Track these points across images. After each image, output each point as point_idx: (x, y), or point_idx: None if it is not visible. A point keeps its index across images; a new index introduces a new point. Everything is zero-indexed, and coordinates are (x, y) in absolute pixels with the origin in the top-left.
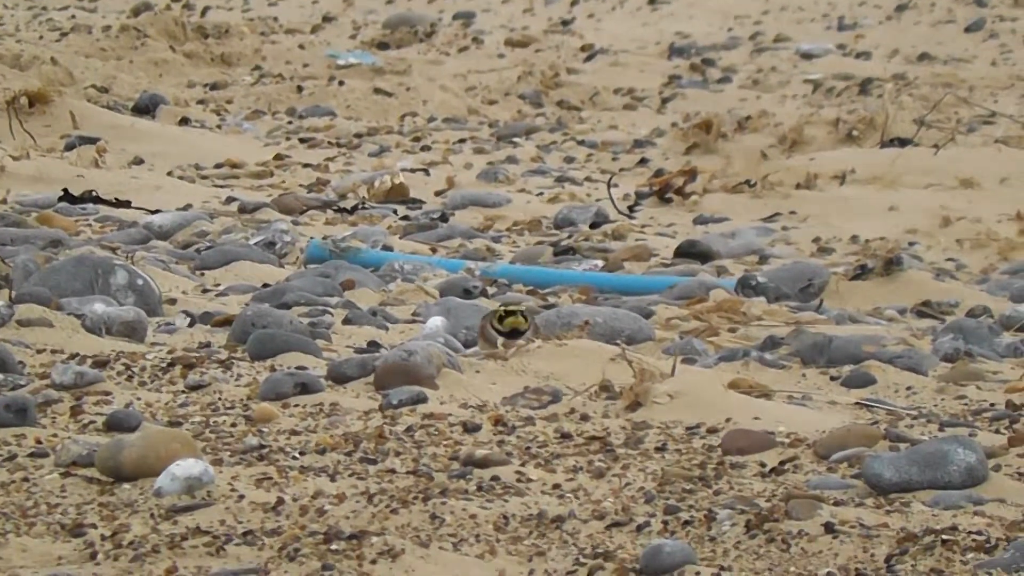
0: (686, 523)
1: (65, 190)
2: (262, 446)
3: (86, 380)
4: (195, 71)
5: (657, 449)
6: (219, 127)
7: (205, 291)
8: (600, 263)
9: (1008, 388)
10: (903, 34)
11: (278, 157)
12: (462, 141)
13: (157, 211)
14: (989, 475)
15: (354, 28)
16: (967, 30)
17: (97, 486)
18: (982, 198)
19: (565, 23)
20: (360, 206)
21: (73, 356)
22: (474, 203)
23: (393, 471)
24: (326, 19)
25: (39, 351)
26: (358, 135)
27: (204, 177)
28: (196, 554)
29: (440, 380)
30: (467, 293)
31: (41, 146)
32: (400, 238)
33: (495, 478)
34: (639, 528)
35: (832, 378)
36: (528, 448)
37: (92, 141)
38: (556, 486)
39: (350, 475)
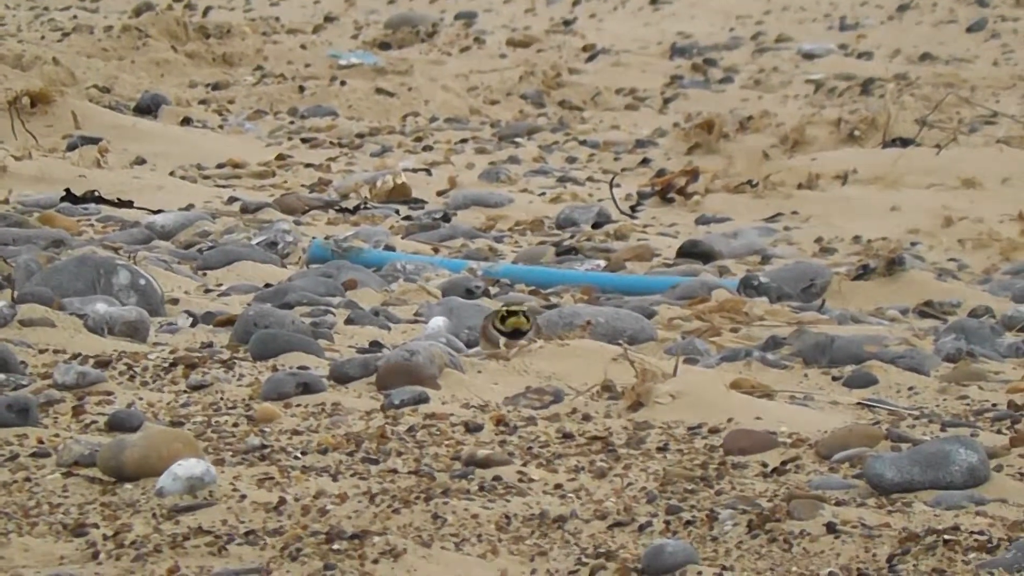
0: (688, 523)
1: (67, 190)
2: (264, 446)
3: (88, 380)
4: (197, 71)
5: (659, 449)
6: (221, 127)
7: (207, 291)
8: (602, 263)
9: (1010, 388)
10: (905, 34)
11: (280, 157)
12: (464, 141)
13: (159, 211)
14: (991, 475)
15: (356, 28)
16: (969, 30)
17: (99, 486)
18: (984, 198)
19: (567, 23)
20: (362, 206)
21: (75, 356)
22: (476, 203)
23: (395, 471)
24: (328, 19)
25: (41, 351)
26: (360, 135)
27: (206, 177)
28: (198, 554)
29: (442, 380)
30: (469, 293)
31: (43, 146)
32: (402, 238)
33: (497, 478)
34: (641, 528)
35: (834, 378)
36: (530, 448)
37: (94, 141)
38: (558, 486)
39: (352, 475)
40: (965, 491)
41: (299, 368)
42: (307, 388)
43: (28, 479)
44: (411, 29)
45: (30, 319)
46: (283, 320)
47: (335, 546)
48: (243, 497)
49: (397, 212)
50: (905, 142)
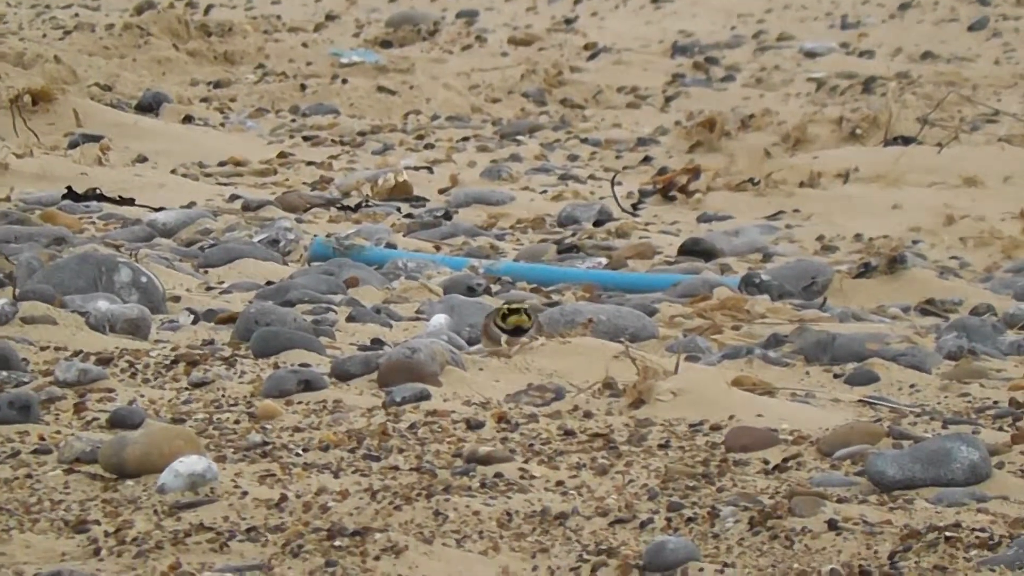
0: (689, 520)
1: (69, 188)
2: (265, 443)
3: (90, 377)
4: (198, 69)
5: (660, 446)
6: (223, 125)
7: (209, 289)
8: (604, 261)
9: (1011, 386)
10: (906, 33)
11: (282, 155)
12: (466, 139)
13: (161, 209)
14: (992, 472)
15: (357, 26)
16: (970, 29)
17: (100, 483)
18: (985, 196)
19: (568, 21)
20: (364, 204)
21: (77, 353)
22: (478, 201)
23: (396, 468)
24: (329, 17)
25: (43, 348)
26: (362, 133)
27: (208, 175)
28: (199, 550)
29: (443, 377)
30: (471, 291)
31: (45, 144)
32: (404, 236)
33: (498, 475)
34: (642, 525)
35: (835, 376)
36: (531, 445)
37: (96, 139)
38: (559, 483)
39: (353, 472)
40: (966, 488)
41: (300, 365)
42: (308, 385)
43: (29, 476)
44: (412, 27)
45: (32, 316)
46: (284, 318)
47: (336, 543)
48: (244, 494)
49: (399, 210)
50: (907, 140)
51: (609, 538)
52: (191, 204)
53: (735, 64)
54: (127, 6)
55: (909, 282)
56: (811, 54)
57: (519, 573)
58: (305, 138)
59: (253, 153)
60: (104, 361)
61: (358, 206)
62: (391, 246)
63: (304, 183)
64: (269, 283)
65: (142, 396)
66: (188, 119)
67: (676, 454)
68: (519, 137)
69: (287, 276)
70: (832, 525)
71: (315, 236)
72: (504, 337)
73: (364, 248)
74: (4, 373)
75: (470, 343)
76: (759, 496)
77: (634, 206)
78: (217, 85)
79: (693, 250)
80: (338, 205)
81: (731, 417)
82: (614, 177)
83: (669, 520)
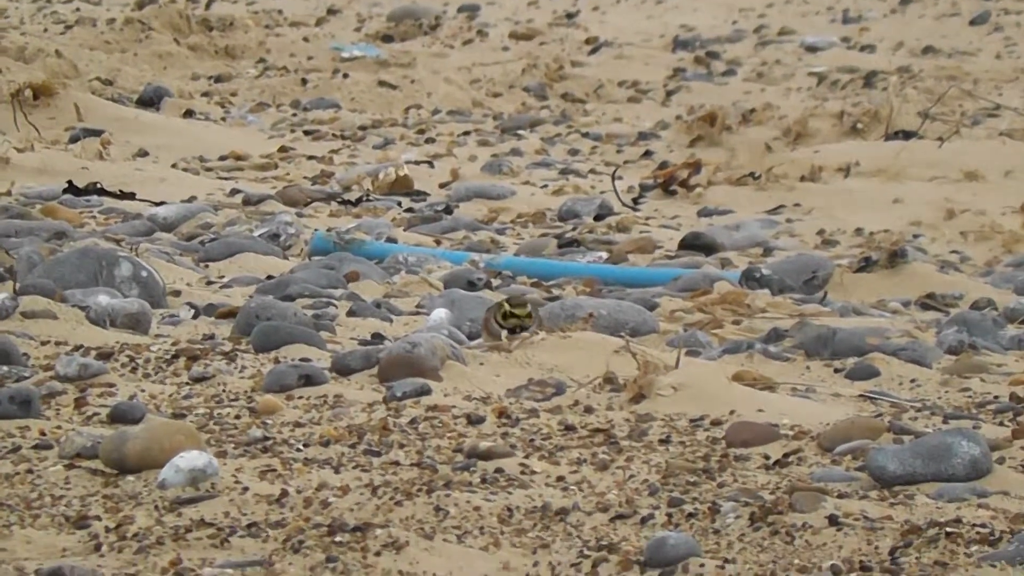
0: (690, 515)
1: (69, 182)
2: (266, 438)
3: (90, 372)
4: (199, 64)
5: (661, 441)
6: (223, 119)
7: (209, 283)
8: (604, 255)
9: (1012, 381)
10: (908, 27)
11: (282, 149)
12: (466, 133)
13: (161, 203)
14: (993, 468)
15: (358, 21)
16: (972, 23)
17: (101, 478)
18: (986, 191)
19: (569, 16)
20: (364, 198)
21: (77, 348)
22: (478, 195)
23: (397, 463)
24: (330, 12)
25: (43, 343)
26: (362, 127)
27: (208, 169)
28: (200, 546)
29: (444, 372)
30: (471, 285)
31: (46, 138)
32: (404, 230)
33: (499, 470)
34: (643, 520)
35: (836, 370)
36: (532, 440)
37: (96, 133)
38: (560, 478)
39: (354, 467)
40: (967, 483)
41: (301, 360)
42: (309, 380)
43: (30, 471)
44: (414, 22)
45: (32, 311)
46: (285, 312)
47: (337, 538)
48: (245, 489)
49: (399, 204)
50: (908, 135)
51: (610, 534)
52: (192, 198)
53: (736, 58)
54: (128, 1)
55: (910, 276)
56: (812, 48)
57: (520, 569)
58: (306, 132)
59: (254, 147)
60: (105, 356)
61: (359, 200)
62: (392, 240)
63: (305, 177)
64: (269, 277)
65: (143, 391)
66: (189, 113)
67: (677, 449)
68: (520, 131)
69: (287, 270)
70: (833, 520)
71: (316, 230)
72: (504, 332)
73: (365, 242)
74: (4, 368)
75: (471, 338)
76: (760, 491)
77: (635, 200)
78: (218, 79)
79: (694, 244)
80: (339, 199)
81: (732, 412)
82: (615, 171)
83: (670, 516)
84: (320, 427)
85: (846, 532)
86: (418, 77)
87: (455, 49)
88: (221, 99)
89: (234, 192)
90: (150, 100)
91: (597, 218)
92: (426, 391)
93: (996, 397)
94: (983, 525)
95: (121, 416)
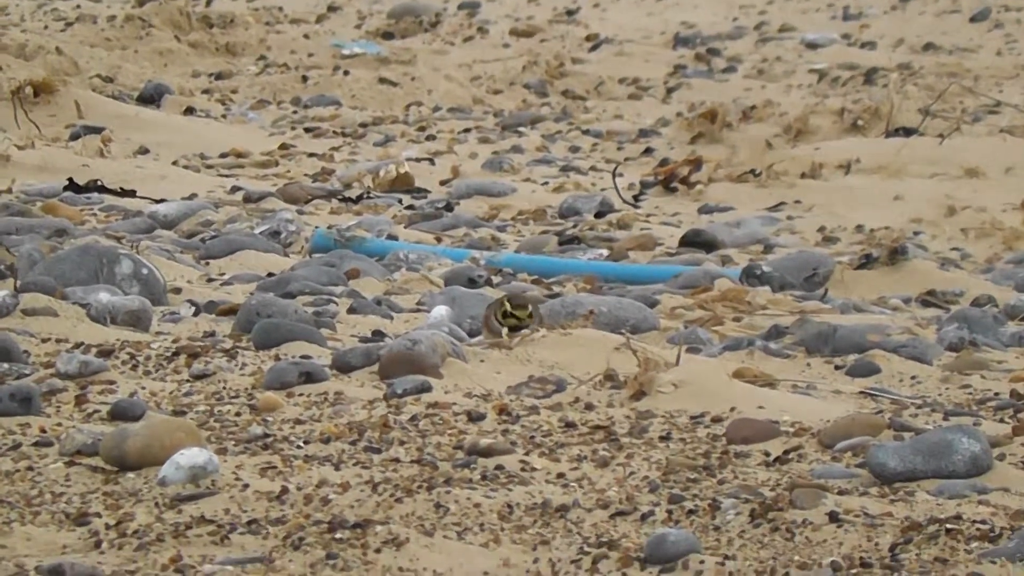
0: (690, 512)
1: (70, 179)
2: (266, 435)
3: (91, 369)
4: (200, 61)
5: (661, 438)
6: (224, 117)
7: (210, 280)
8: (605, 252)
9: (1013, 377)
10: (908, 24)
11: (283, 147)
12: (467, 131)
13: (162, 200)
14: (993, 464)
15: (359, 18)
16: (972, 20)
17: (101, 475)
18: (987, 187)
19: (570, 13)
20: (365, 195)
21: (78, 345)
22: (479, 192)
23: (397, 460)
24: (331, 9)
25: (44, 340)
26: (363, 125)
27: (209, 167)
28: (200, 543)
29: (444, 369)
30: (472, 282)
31: (46, 136)
32: (405, 227)
33: (499, 467)
34: (643, 517)
35: (836, 367)
36: (532, 437)
37: (97, 131)
38: (560, 475)
39: (354, 464)
40: (967, 480)
41: (302, 357)
42: (310, 377)
43: (30, 468)
44: (414, 19)
45: (33, 308)
46: (286, 309)
47: (337, 535)
48: (246, 486)
49: (400, 201)
50: (908, 132)
51: (610, 530)
52: (192, 196)
53: (737, 55)
54: None
55: (910, 273)
56: (813, 45)
57: (520, 565)
58: (307, 130)
59: (255, 145)
60: (105, 353)
61: (359, 197)
62: (392, 237)
63: (305, 175)
64: (270, 275)
65: (143, 388)
66: (190, 111)
67: (677, 446)
68: (521, 128)
69: (288, 268)
70: (833, 517)
71: (316, 227)
72: (505, 329)
73: (365, 240)
74: (5, 365)
75: (471, 335)
76: (760, 488)
77: (635, 197)
78: (219, 77)
79: (694, 241)
80: (339, 196)
81: (732, 409)
82: (615, 168)
83: (670, 512)
84: (320, 424)
85: (846, 529)
86: (419, 74)
87: (456, 46)
88: (222, 96)
89: (235, 189)
90: (151, 97)
91: (598, 215)
92: (427, 388)
93: (996, 394)
94: (983, 522)
95: (121, 413)
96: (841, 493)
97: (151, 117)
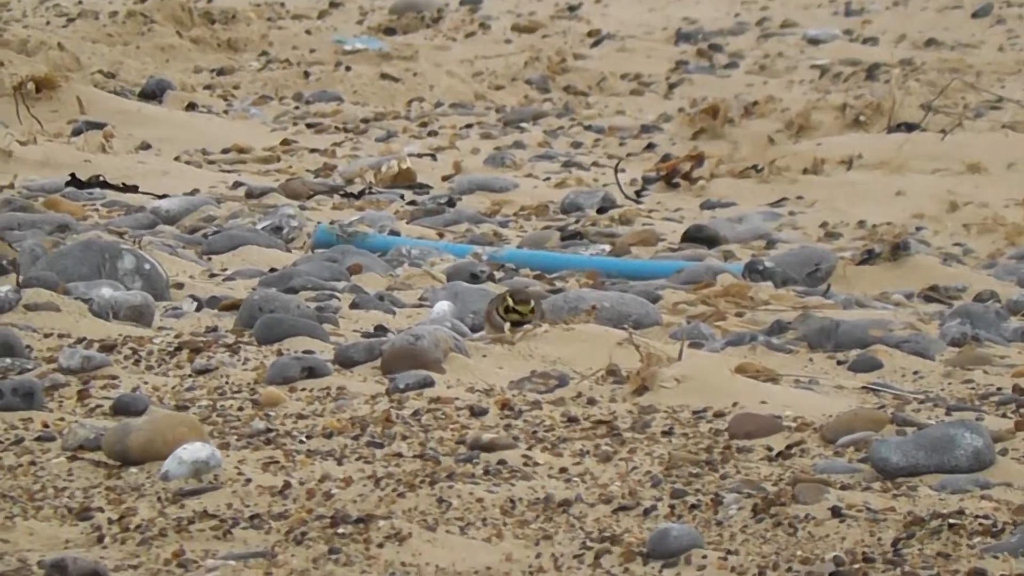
0: (693, 507)
1: (72, 175)
2: (269, 430)
3: (93, 364)
4: (202, 56)
5: (664, 433)
6: (226, 112)
7: (212, 276)
8: (607, 248)
9: (1015, 372)
10: (910, 20)
11: (285, 142)
12: (469, 126)
13: (164, 196)
14: (996, 459)
15: (361, 14)
16: (974, 16)
17: (104, 470)
18: (989, 183)
19: (572, 8)
20: (367, 191)
21: (80, 340)
22: (481, 188)
23: (400, 455)
24: (333, 5)
25: (46, 335)
26: (365, 120)
27: (211, 162)
28: (203, 537)
29: (447, 364)
30: (474, 278)
31: (48, 131)
32: (407, 223)
33: (502, 462)
34: (646, 512)
35: (839, 362)
36: (535, 432)
37: (99, 126)
38: (563, 470)
39: (357, 459)
40: (970, 475)
41: (304, 352)
42: (312, 372)
43: (33, 463)
44: (416, 14)
45: (35, 303)
46: (288, 305)
47: (340, 530)
48: (248, 481)
49: (402, 197)
50: (910, 127)
51: (612, 525)
52: (194, 191)
53: (739, 51)
54: None
55: (912, 269)
56: (815, 41)
57: (522, 560)
58: (308, 125)
59: (256, 140)
60: (107, 348)
61: (361, 193)
62: (394, 233)
63: (307, 170)
64: (272, 270)
65: (146, 383)
66: (192, 106)
67: (680, 441)
68: (522, 124)
69: (290, 263)
70: (836, 512)
71: (318, 223)
72: (507, 324)
73: (367, 235)
74: (8, 360)
75: (473, 330)
76: (762, 483)
77: (637, 193)
78: (221, 72)
79: (696, 237)
80: (341, 192)
81: (735, 404)
82: (617, 164)
83: (672, 507)
84: (323, 419)
85: (849, 524)
86: (420, 70)
87: (457, 42)
88: (223, 92)
89: (237, 185)
90: (153, 93)
91: (600, 211)
92: (429, 383)
93: (999, 389)
94: (986, 517)
95: (124, 408)
96: (844, 488)
97: (153, 113)
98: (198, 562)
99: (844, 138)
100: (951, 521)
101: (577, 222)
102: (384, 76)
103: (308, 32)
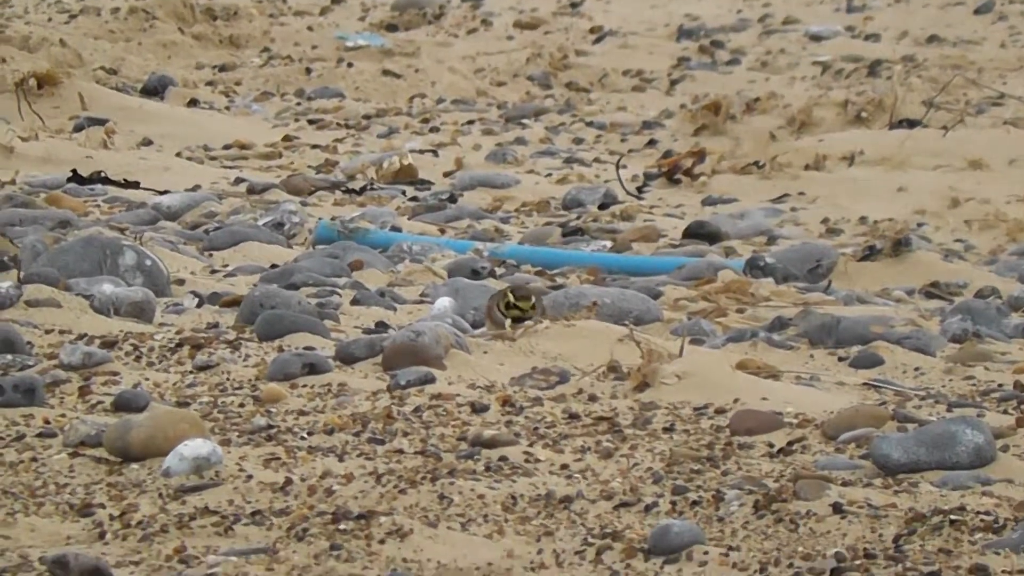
0: (694, 503)
1: (74, 171)
2: (270, 426)
3: (94, 360)
4: (204, 53)
5: (665, 430)
6: (228, 108)
7: (213, 272)
8: (608, 244)
9: (1016, 369)
10: (912, 16)
11: (287, 138)
12: (471, 123)
13: (166, 192)
14: (997, 455)
15: (363, 10)
16: (976, 12)
17: (105, 466)
18: (991, 179)
19: (574, 5)
20: (369, 187)
21: (81, 336)
22: (483, 184)
23: (401, 451)
24: (335, 1)
25: (47, 331)
26: (367, 116)
27: (213, 158)
28: (204, 534)
29: (448, 361)
30: (475, 274)
31: (50, 127)
32: (408, 219)
33: (503, 458)
34: (647, 508)
35: (840, 359)
36: (536, 429)
37: (101, 122)
38: (564, 466)
39: (358, 455)
40: (971, 471)
41: (305, 349)
42: (313, 369)
43: (34, 459)
44: (418, 11)
45: (36, 299)
46: (289, 301)
47: (341, 526)
48: (249, 477)
49: (403, 193)
50: (912, 123)
51: (614, 521)
52: (196, 187)
53: (740, 47)
54: None
55: (914, 265)
56: (816, 37)
57: (524, 556)
58: (310, 121)
59: (258, 136)
60: (109, 344)
61: (363, 189)
62: (396, 229)
63: (309, 166)
64: (274, 266)
65: (147, 379)
66: (193, 102)
67: (681, 437)
68: (524, 120)
69: (292, 259)
70: (837, 508)
71: (320, 219)
72: (508, 321)
73: (369, 231)
74: (9, 356)
75: (474, 326)
76: (764, 479)
77: (639, 189)
78: (222, 69)
79: (698, 233)
80: (343, 188)
81: (736, 400)
82: (619, 160)
83: (674, 503)
84: (324, 415)
85: (850, 520)
86: (422, 66)
87: (459, 38)
88: (225, 88)
89: (238, 181)
90: (154, 89)
91: (601, 207)
92: (430, 379)
93: (1000, 385)
94: (987, 513)
95: (125, 404)
96: (845, 484)
97: (155, 109)
98: (199, 558)
99: (846, 134)
100: (952, 517)
101: (578, 218)
102: (386, 72)
103: (310, 28)
